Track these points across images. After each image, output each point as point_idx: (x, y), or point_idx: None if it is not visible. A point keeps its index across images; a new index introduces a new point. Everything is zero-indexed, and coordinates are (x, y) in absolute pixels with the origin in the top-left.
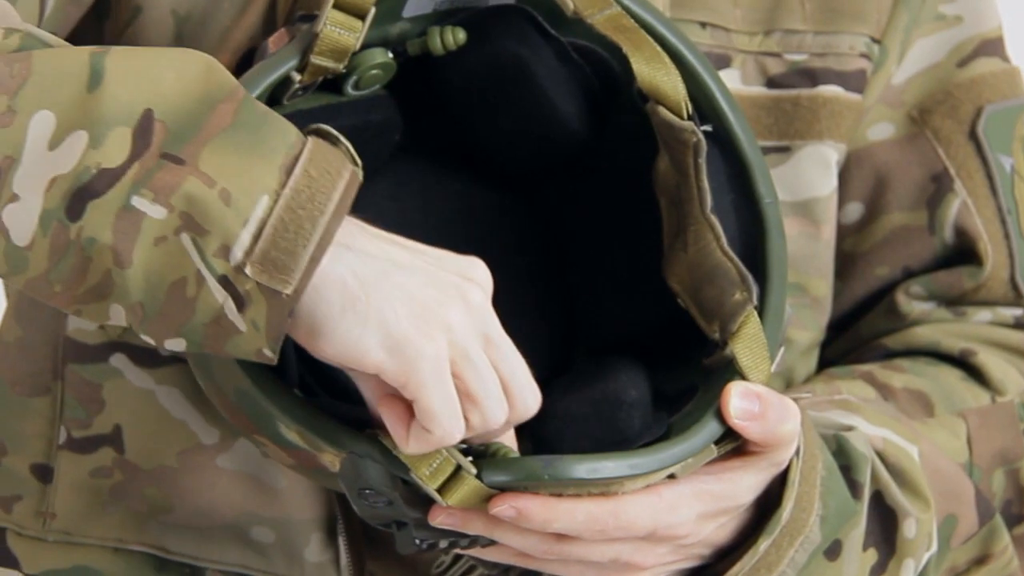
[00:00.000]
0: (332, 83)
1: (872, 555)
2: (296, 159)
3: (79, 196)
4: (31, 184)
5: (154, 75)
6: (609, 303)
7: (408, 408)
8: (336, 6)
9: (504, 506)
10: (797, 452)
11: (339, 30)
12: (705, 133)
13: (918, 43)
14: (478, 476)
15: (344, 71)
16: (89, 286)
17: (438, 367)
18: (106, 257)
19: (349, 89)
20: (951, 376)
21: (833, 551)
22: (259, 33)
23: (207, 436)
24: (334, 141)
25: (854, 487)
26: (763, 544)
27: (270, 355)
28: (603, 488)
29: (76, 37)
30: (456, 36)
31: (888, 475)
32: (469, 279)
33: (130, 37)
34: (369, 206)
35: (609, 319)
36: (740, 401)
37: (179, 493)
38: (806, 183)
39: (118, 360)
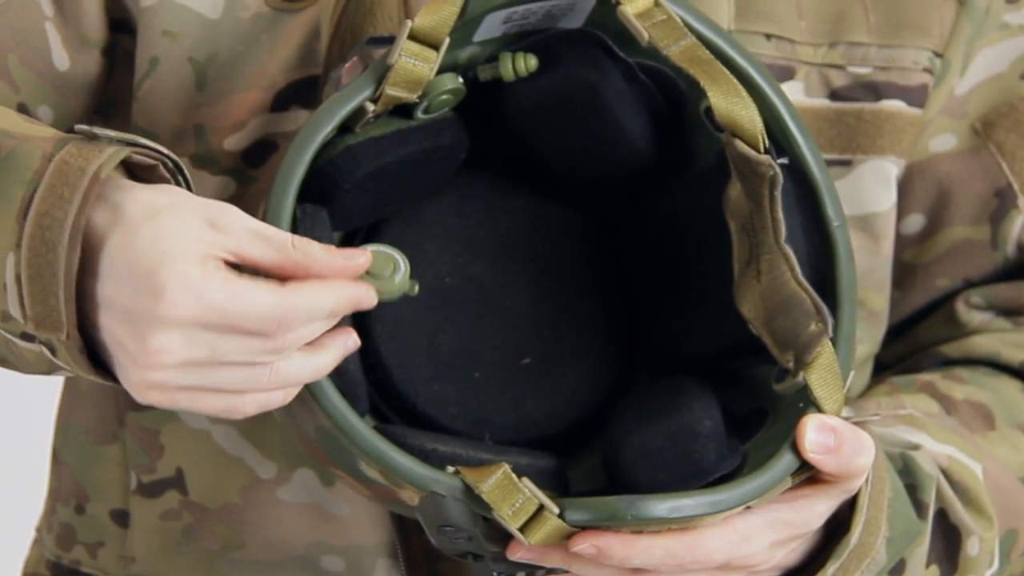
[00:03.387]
0: (402, 107)
1: (934, 572)
2: (32, 198)
3: None
4: None
5: None
6: (675, 322)
7: None
8: (411, 37)
9: (585, 544)
10: (867, 477)
11: (414, 61)
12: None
13: (982, 52)
14: (560, 515)
15: (417, 100)
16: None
17: (172, 397)
18: None
19: (419, 113)
20: (1011, 388)
21: (897, 569)
22: (296, 66)
23: (264, 471)
24: (88, 137)
25: (919, 507)
26: (831, 568)
27: (100, 381)
28: (682, 524)
29: (112, 91)
30: (528, 63)
31: (952, 493)
32: (154, 284)
33: (148, 89)
34: (435, 223)
35: (675, 338)
36: (816, 435)
37: (248, 529)
38: (866, 198)
39: None
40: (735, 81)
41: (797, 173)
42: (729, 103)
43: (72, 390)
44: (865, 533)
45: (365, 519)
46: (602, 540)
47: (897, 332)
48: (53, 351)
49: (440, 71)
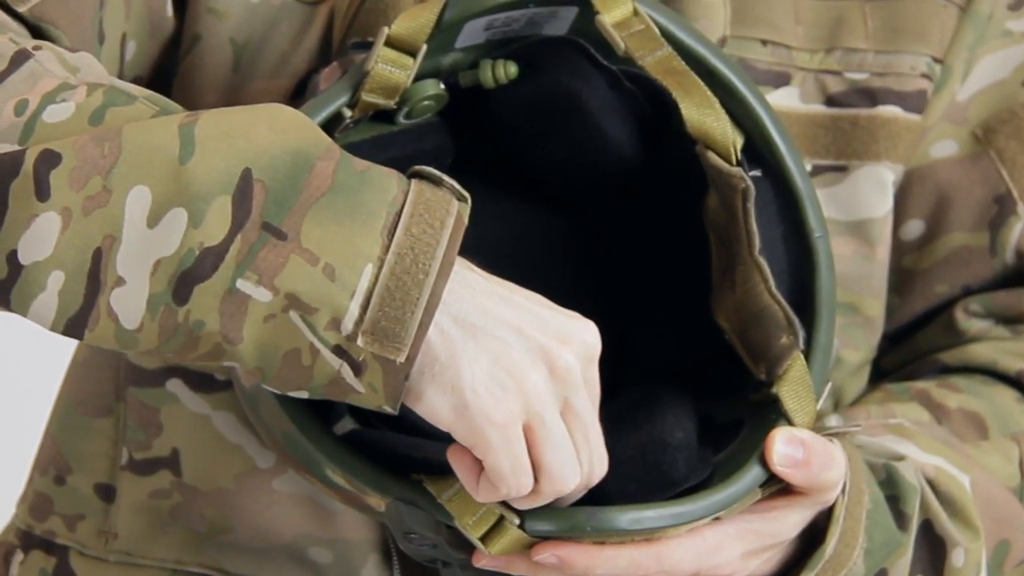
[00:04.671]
0: (384, 112)
1: None
2: (398, 217)
3: (184, 280)
4: (136, 267)
5: (247, 132)
6: (660, 329)
7: (478, 461)
8: (388, 43)
9: (547, 554)
10: (843, 488)
11: (390, 68)
12: (757, 164)
13: (984, 59)
14: (521, 526)
15: (395, 106)
16: (200, 354)
17: (505, 434)
18: (214, 337)
19: (401, 119)
20: (1007, 397)
21: None
22: (317, 57)
23: (263, 460)
24: (437, 181)
25: (901, 518)
26: None
27: (390, 411)
28: (646, 535)
29: (159, 70)
30: (508, 70)
31: (938, 504)
32: (565, 342)
33: (189, 65)
34: None
35: (660, 345)
36: (784, 447)
37: (238, 514)
38: (862, 203)
39: (174, 385)
40: (708, 93)
41: (779, 183)
42: (701, 115)
43: (71, 364)
44: (841, 544)
45: (358, 515)
46: (563, 550)
47: (897, 339)
48: (360, 371)
49: (422, 76)
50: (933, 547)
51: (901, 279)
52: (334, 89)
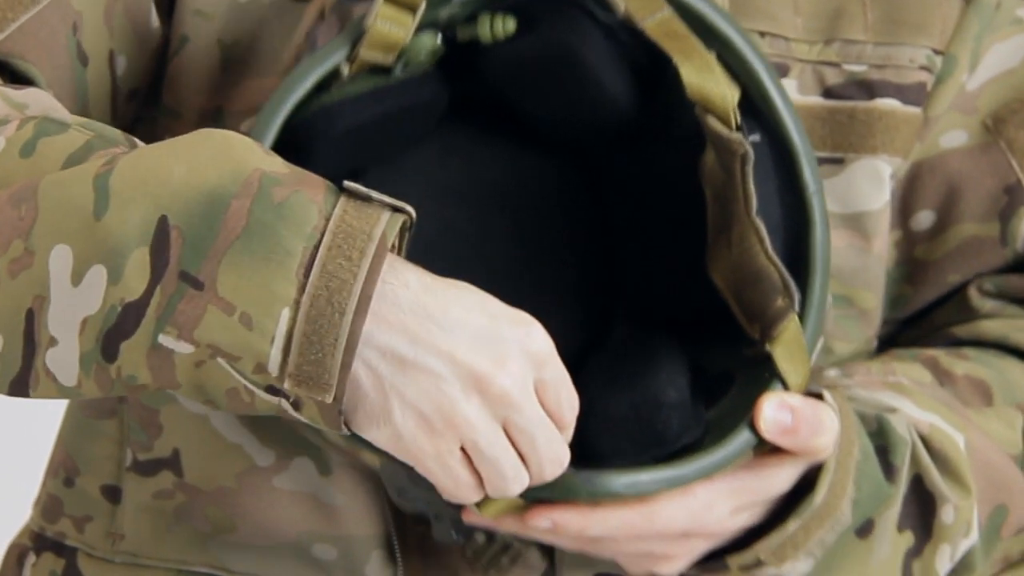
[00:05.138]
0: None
1: (908, 538)
2: (315, 251)
3: (110, 338)
4: (65, 326)
5: (162, 176)
6: (654, 278)
7: None
8: (387, 0)
9: (541, 518)
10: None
11: (389, 25)
12: (754, 118)
13: (994, 48)
14: None
15: (393, 61)
16: (149, 392)
17: (441, 461)
18: (152, 386)
19: (398, 71)
20: (1016, 369)
21: (865, 529)
22: (306, 55)
23: (262, 458)
24: (365, 198)
25: (890, 470)
26: (792, 526)
27: (342, 432)
28: (639, 498)
29: (154, 78)
30: (506, 25)
31: (930, 460)
32: (501, 364)
33: (177, 67)
34: (415, 172)
35: (653, 296)
36: (773, 413)
37: (241, 513)
38: (858, 196)
39: None
40: (709, 57)
41: (775, 138)
42: (701, 79)
43: None
44: (830, 495)
45: (361, 510)
46: (558, 514)
47: (910, 322)
48: (298, 406)
49: (419, 28)
50: (923, 502)
51: (913, 269)
52: (332, 44)
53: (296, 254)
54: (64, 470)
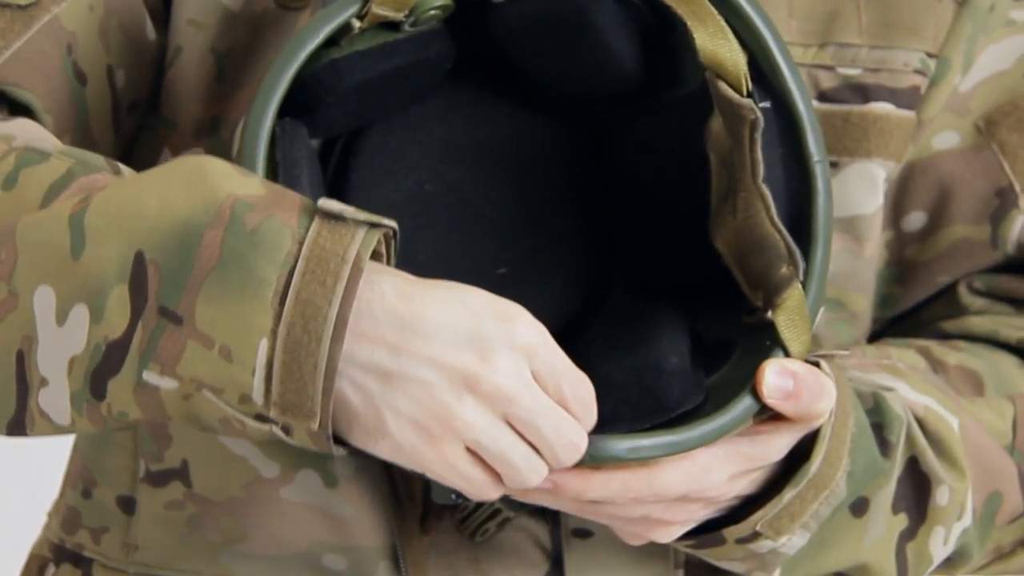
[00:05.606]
0: (389, 20)
1: (903, 519)
2: (290, 278)
3: (98, 376)
4: (53, 366)
5: (136, 210)
6: (653, 243)
7: None
8: None
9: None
10: (830, 410)
11: None
12: (759, 85)
13: (987, 49)
14: None
15: (403, 16)
16: (149, 422)
17: (447, 463)
18: (144, 420)
19: (406, 27)
20: (1007, 362)
21: (859, 508)
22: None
23: (267, 470)
24: (338, 217)
25: (885, 445)
26: (788, 495)
27: (336, 453)
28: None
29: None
30: None
31: (925, 441)
32: (487, 359)
33: (172, 77)
34: (417, 129)
35: (653, 258)
36: (775, 379)
37: (252, 522)
38: (851, 200)
39: None
40: (722, 22)
41: (781, 106)
42: (715, 44)
43: None
44: (825, 464)
45: (367, 521)
46: (558, 475)
47: (898, 319)
48: (288, 432)
49: None
50: (918, 484)
51: (903, 269)
52: (343, 0)
53: (271, 283)
54: (82, 481)
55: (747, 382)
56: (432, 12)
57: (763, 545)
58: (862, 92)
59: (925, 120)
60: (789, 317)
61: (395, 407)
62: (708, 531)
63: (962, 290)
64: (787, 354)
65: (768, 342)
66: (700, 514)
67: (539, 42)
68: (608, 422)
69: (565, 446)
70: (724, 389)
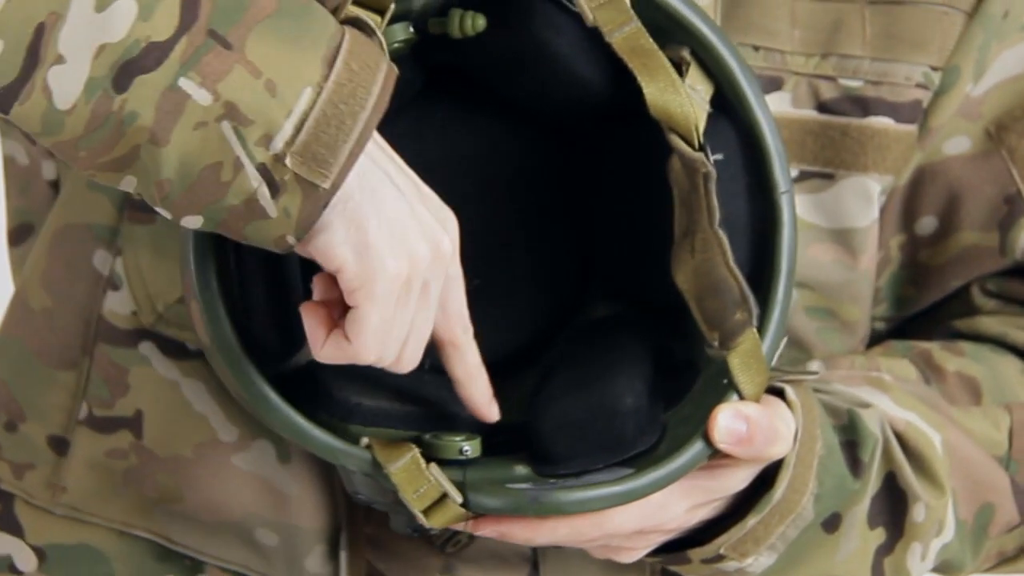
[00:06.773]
0: None
1: (880, 534)
2: (337, 51)
3: (127, 69)
4: (78, 47)
5: None
6: (630, 261)
7: (330, 318)
8: (355, 2)
9: (487, 529)
10: (795, 436)
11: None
12: (725, 114)
13: (1002, 54)
14: (464, 504)
15: None
16: (114, 157)
17: (391, 287)
18: (142, 134)
19: None
20: (1011, 367)
21: (831, 524)
22: None
23: (226, 433)
24: (369, 32)
25: (856, 465)
26: (751, 521)
27: (292, 242)
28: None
29: None
30: (476, 23)
31: (904, 457)
32: (446, 228)
33: None
34: (390, 143)
35: (629, 277)
36: (728, 422)
37: (190, 484)
38: (846, 213)
39: (147, 348)
40: (674, 75)
41: (747, 136)
42: (664, 99)
43: (21, 308)
44: (790, 491)
45: (312, 503)
46: (503, 526)
47: (911, 318)
48: (276, 192)
49: (393, 20)
50: (895, 500)
51: (917, 273)
52: None
53: (322, 45)
54: (6, 413)
55: (702, 424)
56: (397, 46)
57: (729, 565)
58: (862, 105)
59: (934, 127)
60: (744, 360)
61: (382, 205)
62: (674, 550)
63: (975, 291)
64: (741, 397)
65: (725, 380)
66: (661, 539)
67: (504, 73)
68: (563, 459)
69: (411, 356)
70: (681, 426)
